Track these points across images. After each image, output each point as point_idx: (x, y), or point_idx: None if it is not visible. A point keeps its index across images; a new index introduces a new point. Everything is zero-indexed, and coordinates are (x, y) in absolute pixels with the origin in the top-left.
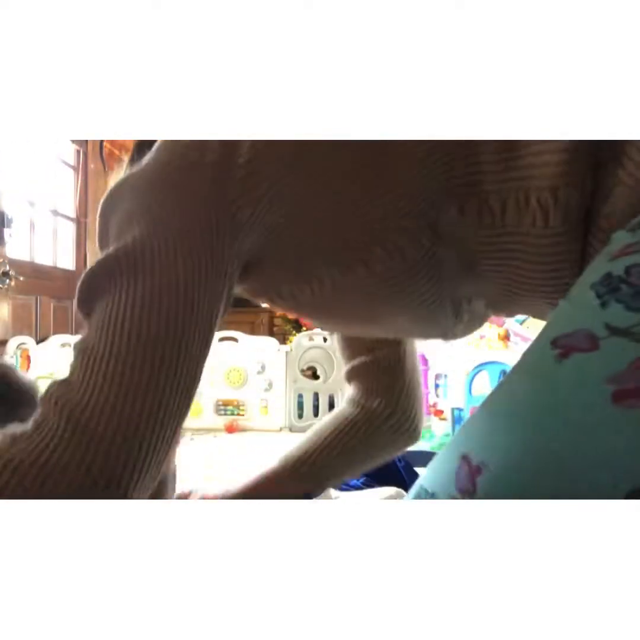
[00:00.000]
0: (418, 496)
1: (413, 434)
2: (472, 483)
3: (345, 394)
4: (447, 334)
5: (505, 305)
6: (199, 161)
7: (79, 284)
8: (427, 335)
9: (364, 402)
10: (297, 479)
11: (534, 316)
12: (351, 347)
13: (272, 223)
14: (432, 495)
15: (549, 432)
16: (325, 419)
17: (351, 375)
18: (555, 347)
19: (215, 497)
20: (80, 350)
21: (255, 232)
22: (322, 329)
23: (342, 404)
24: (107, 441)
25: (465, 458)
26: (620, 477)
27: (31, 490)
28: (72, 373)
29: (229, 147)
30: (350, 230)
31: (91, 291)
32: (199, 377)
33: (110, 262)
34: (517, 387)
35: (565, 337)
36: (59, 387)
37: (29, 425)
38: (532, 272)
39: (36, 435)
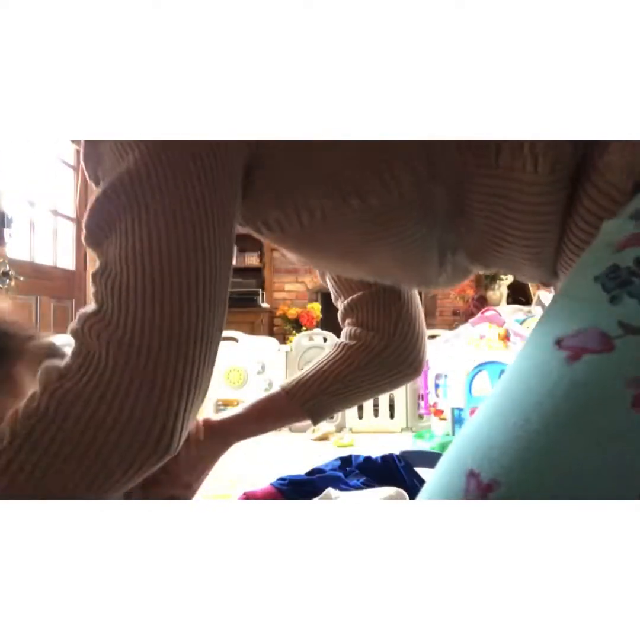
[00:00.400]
0: None
1: (413, 364)
2: (483, 498)
3: (345, 325)
4: (430, 283)
5: (486, 257)
6: None
7: (86, 215)
8: (411, 281)
9: (359, 334)
10: (296, 404)
11: (510, 272)
12: (346, 283)
13: (271, 143)
14: None
15: (566, 445)
16: (325, 351)
17: (346, 312)
18: (562, 348)
19: (222, 422)
20: (104, 281)
21: (254, 147)
22: (304, 264)
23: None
24: (154, 362)
25: (472, 475)
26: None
27: (90, 422)
28: (102, 304)
29: None
30: (349, 160)
31: (101, 220)
32: (228, 288)
33: (118, 187)
34: (524, 393)
35: (573, 337)
36: (94, 321)
37: (68, 360)
38: (517, 222)
39: (85, 369)
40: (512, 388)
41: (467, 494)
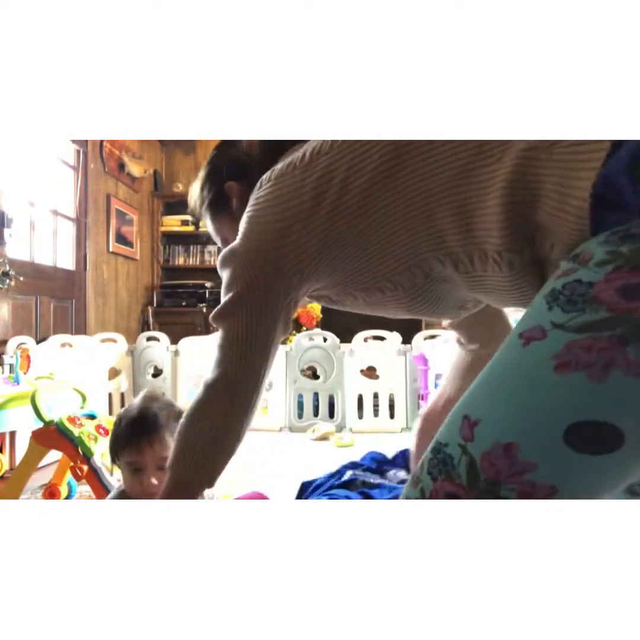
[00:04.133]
0: (435, 449)
1: None
2: (471, 432)
3: (456, 337)
4: (455, 318)
5: (496, 303)
6: (269, 256)
7: (213, 313)
8: (438, 319)
9: (467, 346)
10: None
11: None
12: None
13: (317, 278)
14: (446, 445)
15: (517, 394)
16: (454, 362)
17: (452, 327)
18: (521, 338)
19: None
20: (216, 348)
21: (305, 286)
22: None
23: (456, 347)
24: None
25: (466, 417)
26: (559, 416)
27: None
28: (215, 361)
29: (286, 254)
30: (369, 276)
31: (217, 320)
32: (266, 366)
33: (223, 308)
34: (497, 367)
35: (528, 331)
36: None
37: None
38: (501, 296)
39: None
40: (491, 365)
41: (463, 429)
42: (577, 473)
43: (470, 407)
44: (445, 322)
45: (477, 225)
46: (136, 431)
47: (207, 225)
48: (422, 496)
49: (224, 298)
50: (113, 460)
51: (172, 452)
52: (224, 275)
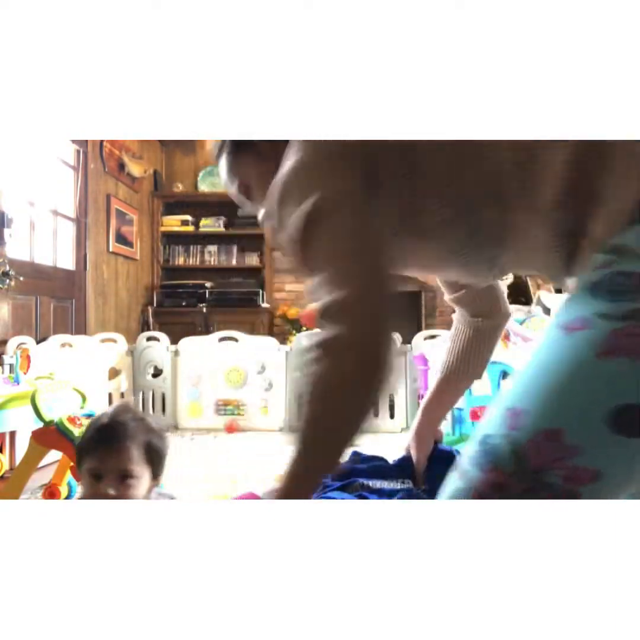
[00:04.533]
0: (480, 441)
1: (498, 328)
2: (516, 422)
3: (457, 313)
4: (483, 281)
5: (520, 267)
6: (336, 159)
7: (300, 223)
8: (470, 279)
9: (469, 319)
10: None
11: (540, 274)
12: (453, 285)
13: (383, 190)
14: (491, 436)
15: (561, 381)
16: (453, 336)
17: (456, 302)
18: (564, 329)
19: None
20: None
21: (374, 190)
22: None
23: (455, 322)
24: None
25: (510, 408)
26: (603, 401)
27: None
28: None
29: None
30: (421, 212)
31: (302, 242)
32: (386, 269)
33: (307, 215)
34: (540, 359)
35: (571, 322)
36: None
37: None
38: (532, 256)
39: None
40: (535, 358)
41: (508, 420)
42: (621, 456)
43: (514, 399)
44: (447, 297)
45: (536, 178)
46: (102, 438)
47: (223, 167)
48: (470, 487)
49: (296, 229)
50: (78, 468)
51: (301, 431)
52: (287, 198)
